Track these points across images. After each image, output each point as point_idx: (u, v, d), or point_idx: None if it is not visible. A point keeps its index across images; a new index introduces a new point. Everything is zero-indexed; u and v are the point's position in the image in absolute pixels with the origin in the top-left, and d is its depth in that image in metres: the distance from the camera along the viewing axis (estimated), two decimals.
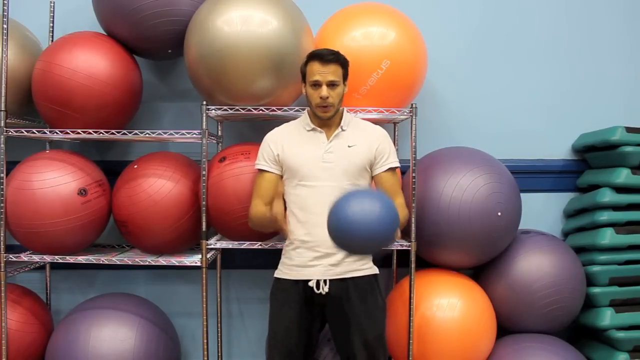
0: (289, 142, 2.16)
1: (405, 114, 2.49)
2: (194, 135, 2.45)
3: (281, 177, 2.18)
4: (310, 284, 2.10)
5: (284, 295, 2.15)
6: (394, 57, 2.49)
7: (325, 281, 2.09)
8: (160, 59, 2.87)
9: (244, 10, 2.35)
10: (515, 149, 2.98)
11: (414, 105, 2.45)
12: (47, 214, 2.35)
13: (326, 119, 2.12)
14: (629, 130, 2.68)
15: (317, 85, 2.08)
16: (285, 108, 2.46)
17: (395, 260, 2.85)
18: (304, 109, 2.28)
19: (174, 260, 2.49)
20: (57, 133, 2.51)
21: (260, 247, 2.45)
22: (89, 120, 2.47)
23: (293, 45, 2.39)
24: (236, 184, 2.35)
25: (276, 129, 2.24)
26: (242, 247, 2.46)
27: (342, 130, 2.14)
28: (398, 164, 2.18)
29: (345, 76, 2.13)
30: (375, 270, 2.17)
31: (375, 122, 2.28)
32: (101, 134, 2.47)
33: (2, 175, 2.38)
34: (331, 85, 2.07)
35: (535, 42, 3.02)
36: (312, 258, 2.10)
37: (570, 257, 2.67)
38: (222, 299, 2.86)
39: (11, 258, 2.46)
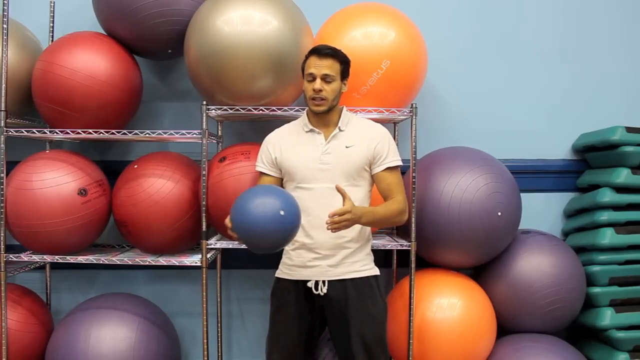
0: (287, 145, 2.15)
1: (405, 114, 2.49)
2: (194, 135, 2.45)
3: (281, 179, 2.18)
4: (308, 284, 2.10)
5: (284, 295, 2.15)
6: (394, 57, 2.49)
7: (324, 282, 2.09)
8: (160, 59, 2.87)
9: (244, 10, 2.35)
10: (515, 149, 2.99)
11: (414, 105, 2.45)
12: (47, 214, 2.35)
13: (320, 114, 2.10)
14: (629, 130, 2.68)
15: (312, 78, 2.07)
16: (285, 108, 2.46)
17: (395, 260, 2.85)
18: (304, 109, 2.28)
19: (174, 260, 2.49)
20: (57, 133, 2.51)
21: None
22: (89, 120, 2.47)
23: (293, 45, 2.39)
24: (236, 184, 2.35)
25: (276, 130, 2.24)
26: (242, 247, 2.46)
27: (340, 130, 2.13)
28: (399, 162, 2.15)
29: (343, 74, 2.12)
30: (375, 271, 2.17)
31: (375, 122, 2.27)
32: (101, 134, 2.47)
33: (2, 175, 2.38)
34: (325, 79, 2.06)
35: (535, 42, 3.02)
36: (312, 259, 2.09)
37: (570, 257, 2.67)
38: (222, 299, 2.86)
39: (11, 258, 2.46)
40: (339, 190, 1.94)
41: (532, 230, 2.81)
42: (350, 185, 2.09)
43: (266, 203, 1.82)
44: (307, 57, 2.12)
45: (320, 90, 2.05)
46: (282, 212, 1.81)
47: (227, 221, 1.88)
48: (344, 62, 2.11)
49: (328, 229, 1.90)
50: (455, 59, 2.99)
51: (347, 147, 2.10)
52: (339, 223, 1.89)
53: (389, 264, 2.85)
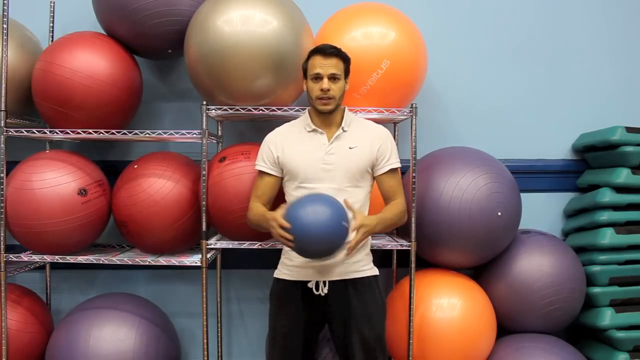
0: (290, 144, 2.14)
1: (405, 114, 2.49)
2: (194, 135, 2.45)
3: (281, 179, 2.18)
4: (309, 285, 2.09)
5: (283, 296, 2.15)
6: (394, 57, 2.50)
7: (324, 282, 2.09)
8: (160, 59, 2.87)
9: (244, 10, 2.35)
10: (515, 149, 2.99)
11: (414, 105, 2.45)
12: (47, 214, 2.35)
13: (326, 113, 2.10)
14: (629, 130, 2.68)
15: (318, 78, 2.07)
16: (286, 108, 2.46)
17: (395, 260, 2.85)
18: (304, 109, 2.28)
19: (174, 260, 2.49)
20: (57, 133, 2.51)
21: (260, 247, 2.45)
22: (89, 120, 2.47)
23: (293, 45, 2.39)
24: (236, 183, 2.35)
25: (277, 129, 2.23)
26: (242, 247, 2.46)
27: (344, 131, 2.13)
28: (399, 164, 2.17)
29: (346, 72, 2.12)
30: (375, 271, 2.17)
31: (375, 122, 2.27)
32: (101, 134, 2.47)
33: (2, 175, 2.38)
34: (332, 78, 2.06)
35: (535, 41, 3.02)
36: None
37: (570, 257, 2.67)
38: (222, 299, 2.86)
39: (11, 258, 2.45)
40: (348, 206, 1.95)
41: (532, 230, 2.81)
42: (353, 186, 2.09)
43: (333, 214, 1.87)
44: (309, 57, 2.11)
45: (329, 90, 2.06)
46: (344, 223, 1.88)
47: (281, 219, 1.88)
48: (347, 61, 2.12)
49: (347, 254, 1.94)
50: (455, 59, 2.99)
51: (350, 148, 2.10)
52: (357, 240, 1.92)
53: (389, 264, 2.85)
